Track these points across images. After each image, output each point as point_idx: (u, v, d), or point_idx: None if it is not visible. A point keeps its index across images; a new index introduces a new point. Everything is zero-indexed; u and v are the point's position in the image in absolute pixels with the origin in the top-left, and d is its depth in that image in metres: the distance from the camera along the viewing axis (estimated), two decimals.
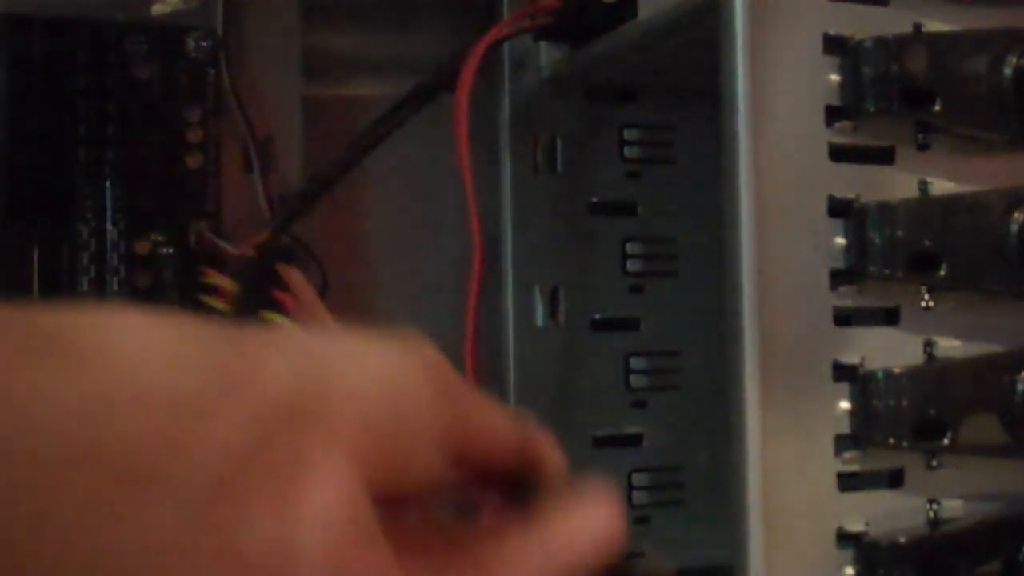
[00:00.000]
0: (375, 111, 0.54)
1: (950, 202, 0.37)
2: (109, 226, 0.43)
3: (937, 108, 0.37)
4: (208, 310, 0.43)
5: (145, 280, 0.44)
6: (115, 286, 0.43)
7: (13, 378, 0.18)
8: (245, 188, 0.47)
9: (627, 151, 0.54)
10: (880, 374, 0.36)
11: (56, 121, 0.43)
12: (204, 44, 0.45)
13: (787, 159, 0.36)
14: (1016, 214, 0.36)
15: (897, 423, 0.36)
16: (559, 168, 0.53)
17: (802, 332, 0.35)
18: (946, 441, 0.36)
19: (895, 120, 0.37)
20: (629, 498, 0.53)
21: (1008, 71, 0.37)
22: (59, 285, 0.43)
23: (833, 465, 0.36)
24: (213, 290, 0.43)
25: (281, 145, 0.48)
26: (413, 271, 0.55)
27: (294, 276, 0.41)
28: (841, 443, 0.36)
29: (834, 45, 0.37)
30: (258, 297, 0.42)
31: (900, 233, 0.36)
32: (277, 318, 0.41)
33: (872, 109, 0.36)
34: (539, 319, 0.52)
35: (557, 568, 0.23)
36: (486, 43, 0.45)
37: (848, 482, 0.36)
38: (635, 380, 0.53)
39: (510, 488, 0.25)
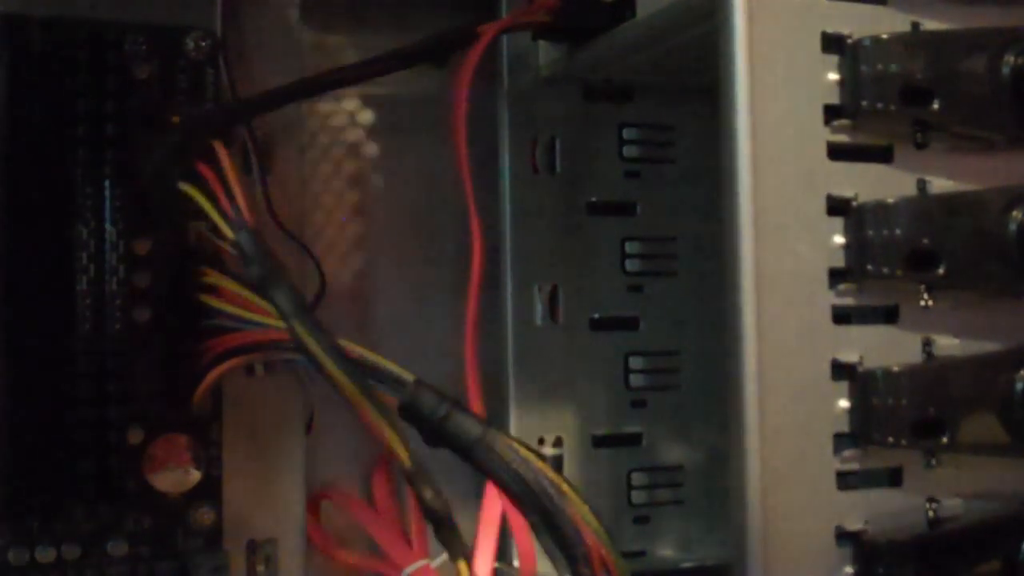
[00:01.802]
0: (374, 109, 0.55)
1: (948, 201, 0.37)
2: (108, 226, 0.43)
3: (935, 107, 0.37)
4: (207, 310, 0.43)
5: (144, 280, 0.44)
6: (114, 286, 0.43)
7: None
8: (244, 188, 0.47)
9: (626, 151, 0.54)
10: (879, 373, 0.36)
11: (55, 121, 0.43)
12: (203, 44, 0.45)
13: (786, 158, 0.36)
14: (1014, 212, 0.36)
15: (896, 422, 0.36)
16: (558, 168, 0.53)
17: (801, 330, 0.36)
18: (945, 440, 0.36)
19: (893, 119, 0.37)
20: (628, 498, 0.53)
21: (1006, 70, 0.37)
22: (58, 285, 0.43)
23: (832, 464, 0.36)
24: (212, 290, 0.43)
25: (280, 145, 0.48)
26: (412, 271, 0.55)
27: (222, 151, 0.41)
28: (840, 442, 0.36)
29: (832, 44, 0.37)
30: (180, 169, 0.41)
31: (898, 232, 0.36)
32: (194, 193, 0.40)
33: (870, 108, 0.36)
34: (538, 318, 0.52)
35: None
36: (484, 41, 0.45)
37: (847, 481, 0.36)
38: (634, 379, 0.53)
39: None
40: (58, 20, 0.43)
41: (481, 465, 0.37)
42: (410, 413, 0.40)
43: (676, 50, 0.45)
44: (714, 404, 0.37)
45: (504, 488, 0.37)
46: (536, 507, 0.36)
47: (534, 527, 0.37)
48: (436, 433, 0.40)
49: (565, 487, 0.36)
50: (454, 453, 0.38)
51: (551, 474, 0.37)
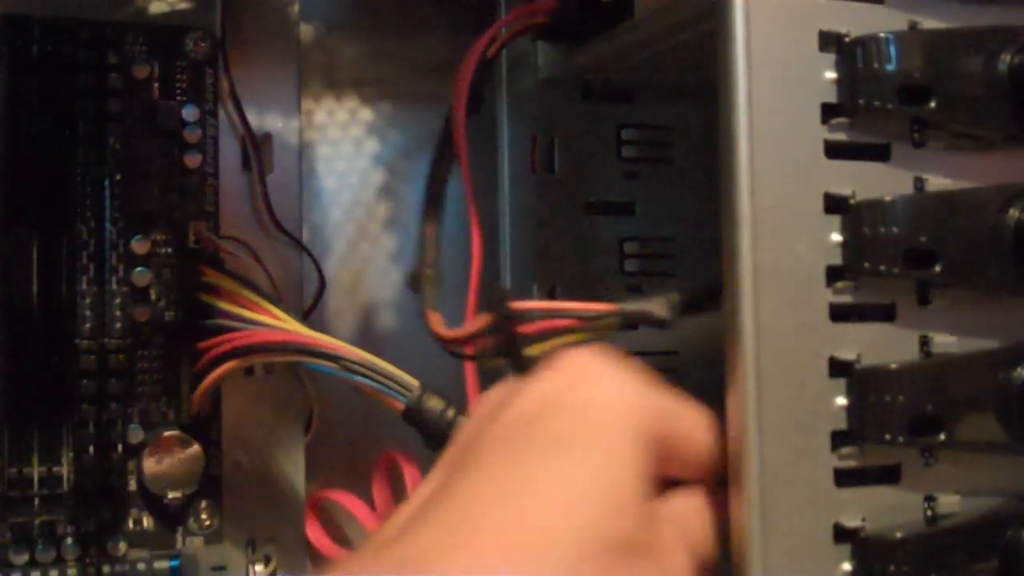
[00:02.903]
0: (374, 109, 0.55)
1: (946, 199, 0.37)
2: (108, 225, 0.43)
3: (933, 105, 0.37)
4: (206, 308, 0.43)
5: (144, 279, 0.44)
6: (114, 285, 0.43)
7: None
8: (244, 188, 0.47)
9: (625, 151, 0.54)
10: (877, 370, 0.36)
11: (55, 121, 0.43)
12: (203, 44, 0.45)
13: (783, 156, 0.36)
14: (1012, 210, 0.36)
15: (893, 419, 0.36)
16: (557, 168, 0.53)
17: (799, 328, 0.36)
18: (942, 437, 0.36)
19: (891, 117, 0.37)
20: None
21: (1003, 68, 0.37)
22: (58, 284, 0.43)
23: (830, 461, 0.36)
24: (211, 289, 0.44)
25: (280, 145, 0.48)
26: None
27: (526, 303, 0.41)
28: (838, 439, 0.36)
29: (830, 42, 0.37)
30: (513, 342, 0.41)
31: (896, 229, 0.36)
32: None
33: (868, 106, 0.36)
34: None
35: None
36: (483, 42, 0.45)
37: (845, 478, 0.36)
38: None
39: None
40: (58, 20, 0.43)
41: None
42: (416, 417, 0.41)
43: (675, 50, 0.45)
44: (713, 403, 0.37)
45: None
46: None
47: None
48: (441, 437, 0.40)
49: None
50: None
51: None
